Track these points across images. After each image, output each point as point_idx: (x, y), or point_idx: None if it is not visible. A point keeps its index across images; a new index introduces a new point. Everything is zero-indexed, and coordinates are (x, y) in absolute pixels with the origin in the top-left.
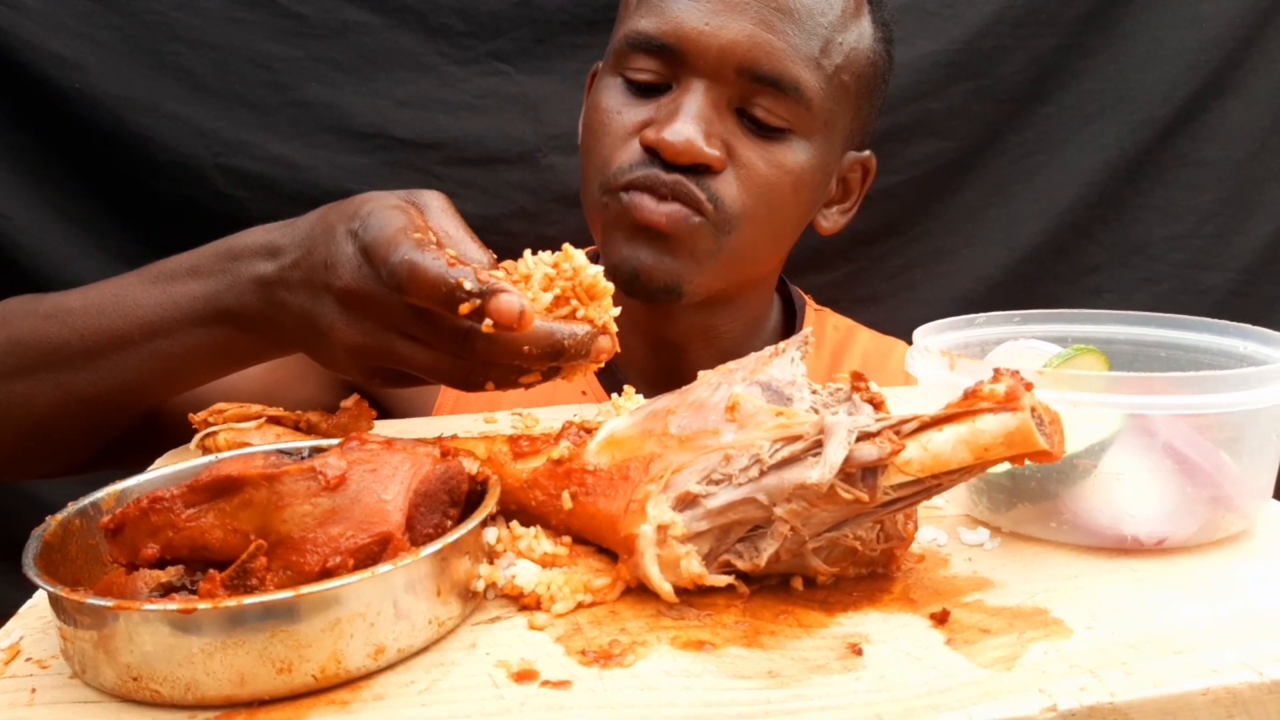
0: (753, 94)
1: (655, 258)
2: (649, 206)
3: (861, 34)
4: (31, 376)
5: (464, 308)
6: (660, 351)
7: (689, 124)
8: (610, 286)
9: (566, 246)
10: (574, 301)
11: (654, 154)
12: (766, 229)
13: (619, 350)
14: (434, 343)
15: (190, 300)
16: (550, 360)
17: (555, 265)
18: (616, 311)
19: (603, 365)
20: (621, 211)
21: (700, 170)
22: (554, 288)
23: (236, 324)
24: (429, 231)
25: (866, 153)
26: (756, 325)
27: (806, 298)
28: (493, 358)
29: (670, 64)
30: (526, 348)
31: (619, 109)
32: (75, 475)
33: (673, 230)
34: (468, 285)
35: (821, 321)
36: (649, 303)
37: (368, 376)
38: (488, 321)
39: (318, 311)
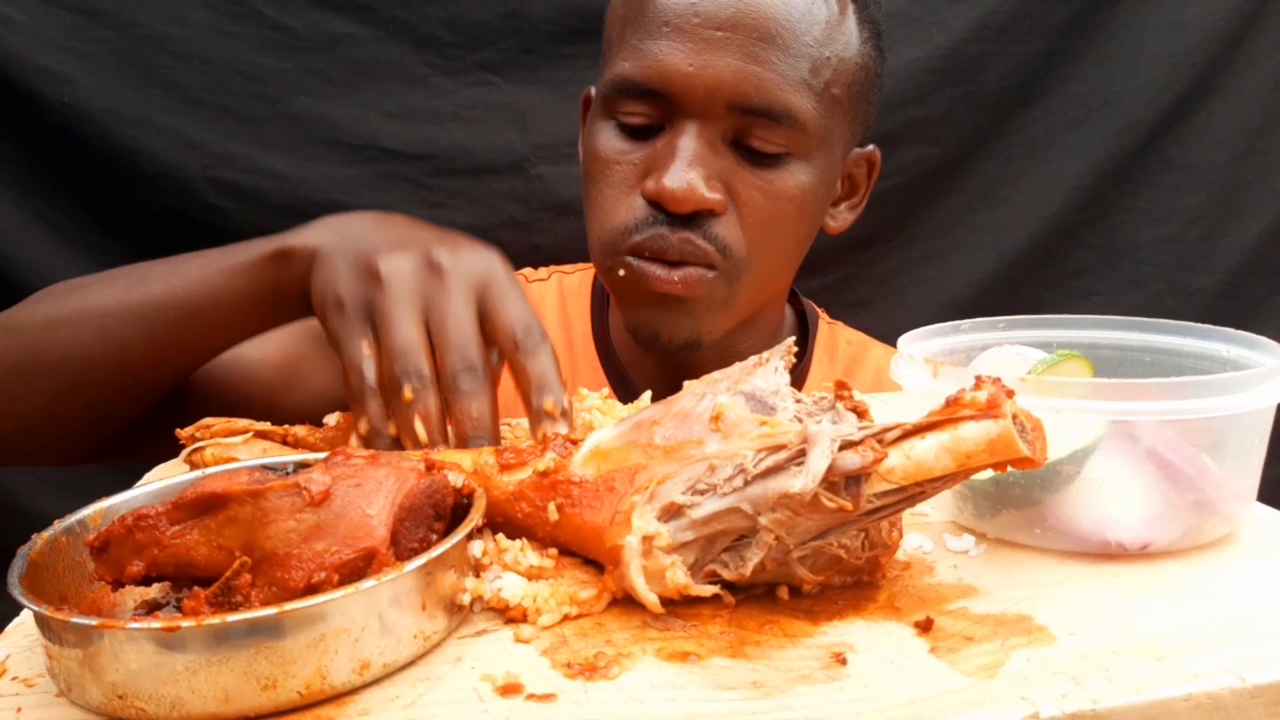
0: (746, 126)
1: (673, 319)
2: (661, 275)
3: (848, 42)
4: (77, 325)
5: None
6: (678, 377)
7: (687, 170)
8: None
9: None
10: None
11: (656, 206)
12: (775, 259)
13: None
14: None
15: (251, 250)
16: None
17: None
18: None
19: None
20: (633, 279)
21: (703, 216)
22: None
23: (289, 258)
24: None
25: (870, 147)
26: (771, 340)
27: (820, 311)
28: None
29: (660, 106)
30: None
31: (615, 156)
32: (95, 461)
33: (689, 294)
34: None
35: (834, 335)
36: (670, 358)
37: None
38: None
39: (383, 250)
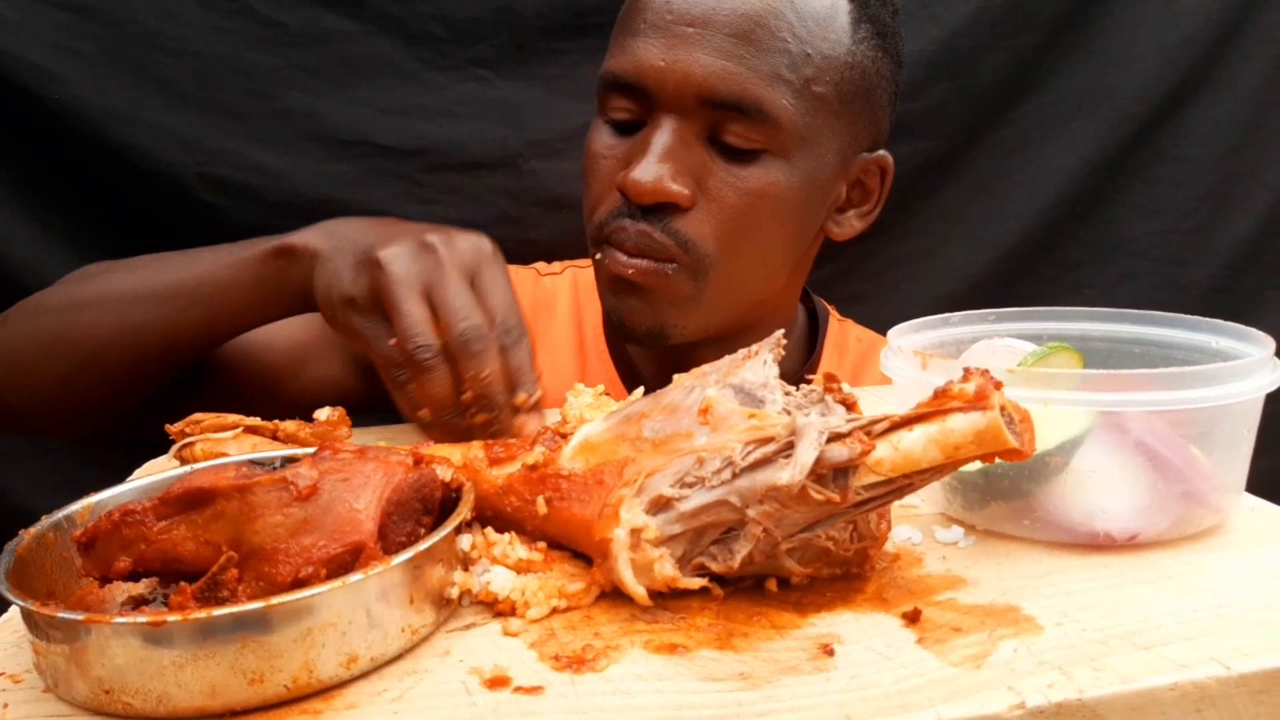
0: (720, 121)
1: (635, 307)
2: (620, 261)
3: (836, 40)
4: (98, 308)
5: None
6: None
7: (654, 163)
8: None
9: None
10: None
11: (627, 198)
12: (749, 257)
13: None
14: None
15: (258, 246)
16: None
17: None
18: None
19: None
20: (602, 264)
21: (669, 209)
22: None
23: (291, 255)
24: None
25: (880, 152)
26: None
27: (830, 309)
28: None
29: (640, 102)
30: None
31: (602, 152)
32: (116, 433)
33: (644, 282)
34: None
35: (844, 333)
36: (639, 346)
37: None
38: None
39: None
